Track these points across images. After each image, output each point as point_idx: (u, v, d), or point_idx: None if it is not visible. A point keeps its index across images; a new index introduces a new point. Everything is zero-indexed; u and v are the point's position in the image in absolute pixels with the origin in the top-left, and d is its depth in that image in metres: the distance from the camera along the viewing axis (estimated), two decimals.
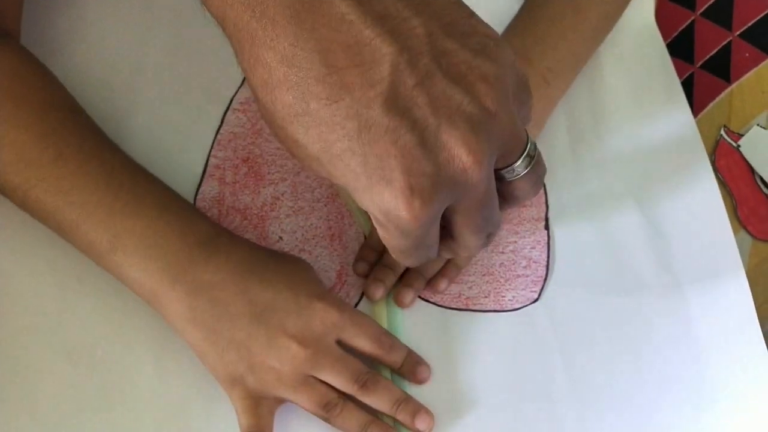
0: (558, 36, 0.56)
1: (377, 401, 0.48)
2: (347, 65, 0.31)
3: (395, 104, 0.31)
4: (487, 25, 0.35)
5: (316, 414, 0.47)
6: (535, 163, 0.37)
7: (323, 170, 0.34)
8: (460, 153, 0.32)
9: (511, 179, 0.37)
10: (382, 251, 0.53)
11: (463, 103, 0.32)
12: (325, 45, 0.30)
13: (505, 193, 0.38)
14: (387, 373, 0.50)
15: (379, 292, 0.52)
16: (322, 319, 0.47)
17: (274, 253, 0.51)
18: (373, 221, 0.36)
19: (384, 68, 0.31)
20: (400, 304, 0.52)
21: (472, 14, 0.34)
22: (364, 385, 0.47)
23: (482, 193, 0.35)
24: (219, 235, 0.49)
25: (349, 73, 0.31)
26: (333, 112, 0.31)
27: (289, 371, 0.46)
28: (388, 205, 0.33)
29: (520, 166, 0.37)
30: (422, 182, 0.32)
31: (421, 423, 0.48)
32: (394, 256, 0.38)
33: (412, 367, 0.50)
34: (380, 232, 0.36)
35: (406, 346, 0.50)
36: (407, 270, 0.53)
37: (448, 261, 0.53)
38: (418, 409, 0.49)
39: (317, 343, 0.46)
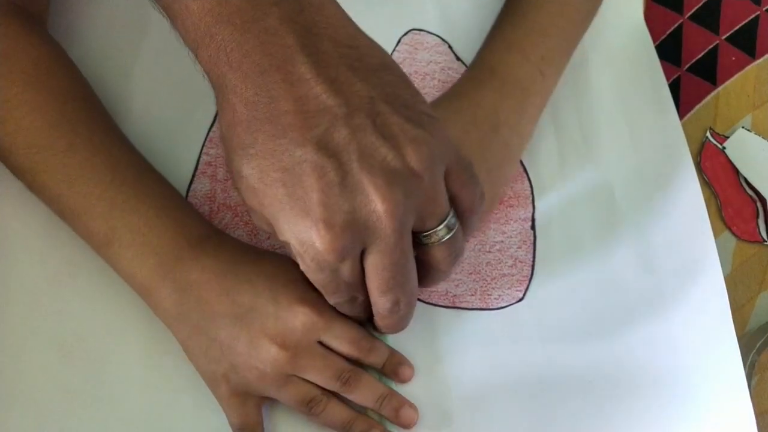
0: (548, 23, 0.56)
1: (360, 397, 0.48)
2: (295, 111, 0.36)
3: (327, 146, 0.36)
4: (429, 108, 0.40)
5: (300, 411, 0.48)
6: (453, 236, 0.41)
7: (256, 201, 0.39)
8: (375, 199, 0.37)
9: (428, 243, 0.41)
10: None
11: (388, 157, 0.37)
12: (281, 94, 0.36)
13: (422, 261, 0.43)
14: (374, 372, 0.51)
15: None
16: (302, 322, 0.47)
17: (262, 254, 0.51)
18: (293, 252, 0.40)
19: (324, 117, 0.36)
20: None
21: (417, 94, 0.40)
22: (346, 383, 0.48)
23: (393, 245, 0.39)
24: (210, 236, 0.50)
25: (295, 117, 0.36)
26: (274, 146, 0.37)
27: (271, 372, 0.47)
28: (304, 235, 0.38)
29: (439, 232, 0.41)
30: (337, 217, 0.37)
31: (404, 417, 0.49)
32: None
33: (393, 368, 0.51)
34: (300, 266, 0.41)
35: (388, 348, 0.51)
36: None
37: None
38: (401, 404, 0.49)
39: (297, 344, 0.47)
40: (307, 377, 0.48)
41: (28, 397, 0.49)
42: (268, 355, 0.47)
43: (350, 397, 0.49)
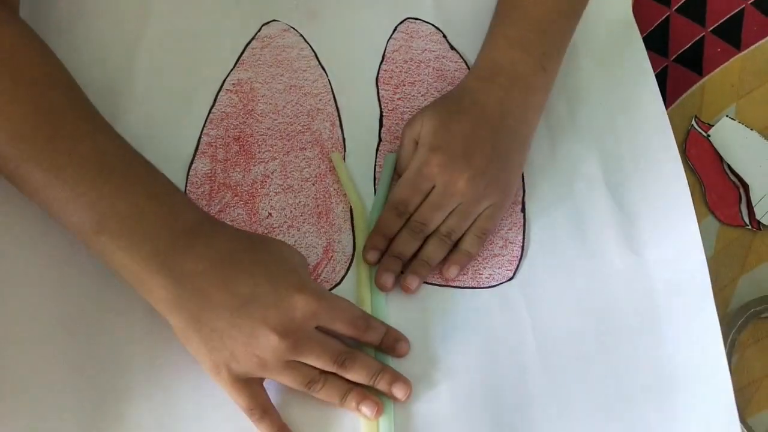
0: (547, 20, 0.58)
1: (356, 376, 0.50)
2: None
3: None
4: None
5: (300, 390, 0.49)
6: None
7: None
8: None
9: None
10: (392, 238, 0.55)
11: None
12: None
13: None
14: (371, 348, 0.52)
15: (390, 281, 0.54)
16: (302, 310, 0.48)
17: (255, 241, 0.51)
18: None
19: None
20: (407, 290, 0.54)
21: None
22: (342, 364, 0.49)
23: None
24: (202, 222, 0.50)
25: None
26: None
27: (272, 359, 0.48)
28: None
29: None
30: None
31: (398, 391, 0.51)
32: None
33: (390, 344, 0.52)
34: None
35: (384, 325, 0.52)
36: (413, 257, 0.55)
37: (456, 247, 0.56)
38: (395, 378, 0.51)
39: (297, 332, 0.48)
40: (306, 361, 0.49)
41: (33, 372, 0.50)
42: (269, 343, 0.47)
43: (347, 376, 0.50)
